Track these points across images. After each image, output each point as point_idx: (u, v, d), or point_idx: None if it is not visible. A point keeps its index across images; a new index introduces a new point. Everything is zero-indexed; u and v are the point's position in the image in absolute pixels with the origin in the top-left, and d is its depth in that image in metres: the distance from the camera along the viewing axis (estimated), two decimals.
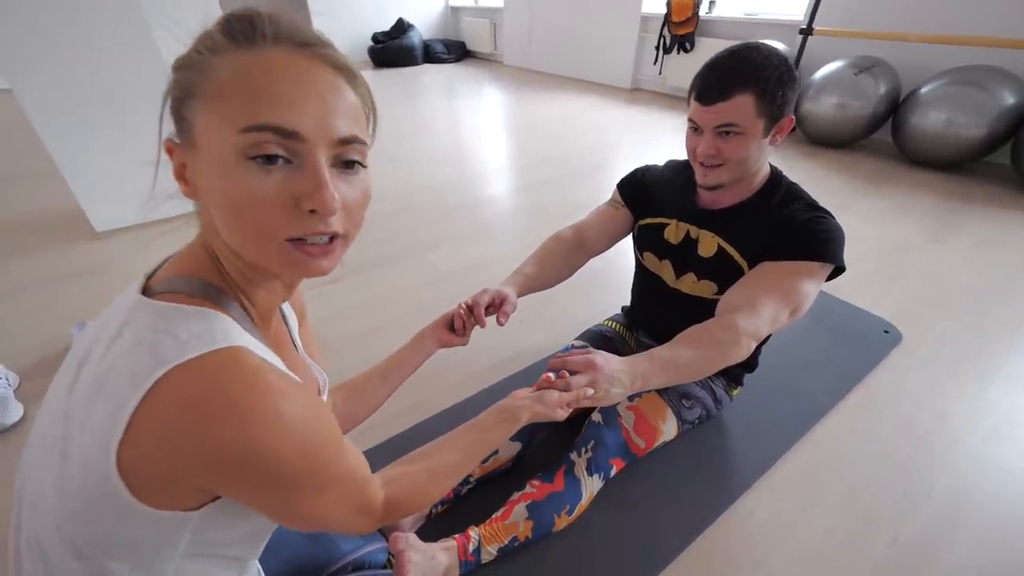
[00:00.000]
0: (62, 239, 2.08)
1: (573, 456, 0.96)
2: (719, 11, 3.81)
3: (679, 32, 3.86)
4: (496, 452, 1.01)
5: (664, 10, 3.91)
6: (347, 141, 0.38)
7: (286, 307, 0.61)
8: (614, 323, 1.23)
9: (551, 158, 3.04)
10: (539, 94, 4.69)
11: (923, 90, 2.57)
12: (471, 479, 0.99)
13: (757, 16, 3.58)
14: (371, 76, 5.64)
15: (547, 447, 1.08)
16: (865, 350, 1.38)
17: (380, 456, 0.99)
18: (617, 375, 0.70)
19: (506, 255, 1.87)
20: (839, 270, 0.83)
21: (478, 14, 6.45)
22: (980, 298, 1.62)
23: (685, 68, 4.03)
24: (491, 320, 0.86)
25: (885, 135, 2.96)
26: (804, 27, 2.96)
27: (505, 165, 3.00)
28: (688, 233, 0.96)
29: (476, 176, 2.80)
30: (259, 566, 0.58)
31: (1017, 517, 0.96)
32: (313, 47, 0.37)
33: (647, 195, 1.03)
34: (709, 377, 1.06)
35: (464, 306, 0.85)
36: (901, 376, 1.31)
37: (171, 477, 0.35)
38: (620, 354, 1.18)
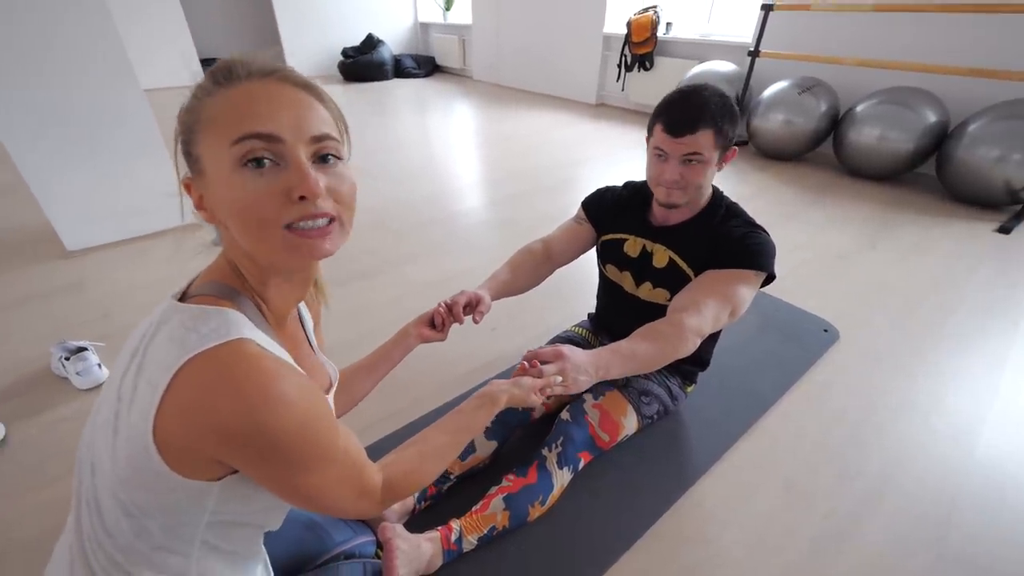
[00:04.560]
0: (32, 258, 2.04)
1: (544, 452, 1.04)
2: (676, 32, 4.03)
3: (639, 51, 4.07)
4: (475, 451, 1.08)
5: (624, 30, 4.11)
6: (320, 138, 0.45)
7: (304, 312, 0.68)
8: (581, 328, 1.33)
9: (520, 172, 3.15)
10: (508, 109, 4.82)
11: (858, 108, 2.81)
12: (452, 476, 1.06)
13: (710, 38, 3.82)
14: (341, 90, 5.67)
15: (521, 445, 1.16)
16: (806, 348, 1.53)
17: (370, 456, 1.05)
18: (583, 364, 0.79)
19: (479, 267, 1.94)
20: (771, 278, 0.95)
21: (447, 31, 6.57)
22: (909, 299, 1.80)
23: (646, 85, 4.24)
24: (468, 321, 0.95)
25: (827, 149, 3.21)
26: (752, 50, 3.19)
27: (476, 180, 3.09)
28: (644, 247, 1.07)
29: (448, 190, 2.88)
30: (263, 549, 0.63)
31: (935, 491, 1.10)
32: (280, 72, 0.46)
33: (609, 213, 1.14)
34: (665, 376, 1.17)
35: (444, 305, 0.93)
36: (837, 371, 1.46)
37: (193, 449, 0.42)
38: None
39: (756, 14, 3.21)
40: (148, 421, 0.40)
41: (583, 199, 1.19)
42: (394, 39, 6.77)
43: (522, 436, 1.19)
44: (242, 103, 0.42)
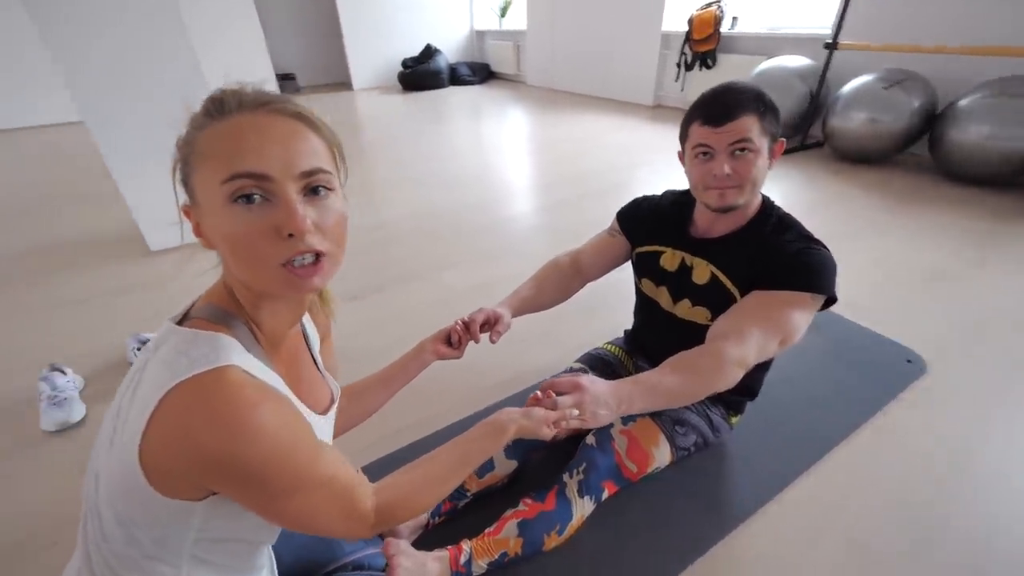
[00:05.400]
0: (119, 257, 2.26)
1: (565, 477, 0.96)
2: (741, 27, 3.77)
3: (700, 49, 3.84)
4: (493, 468, 1.02)
5: (685, 28, 3.91)
6: (310, 173, 0.45)
7: (310, 327, 0.68)
8: (614, 347, 1.23)
9: (572, 177, 3.06)
10: (562, 113, 4.74)
11: (962, 103, 2.45)
12: (468, 493, 1.01)
13: (780, 31, 3.53)
14: (400, 100, 5.88)
15: (543, 466, 1.09)
16: (883, 381, 1.31)
17: (384, 468, 1.03)
18: (603, 397, 0.72)
19: (524, 274, 1.85)
20: (831, 301, 0.81)
21: (502, 37, 6.64)
22: (1021, 327, 1.51)
23: (707, 84, 3.97)
24: (485, 338, 0.91)
25: (920, 150, 2.83)
26: (829, 41, 2.90)
27: (526, 185, 3.05)
28: (683, 261, 0.97)
29: (496, 196, 2.86)
30: (272, 553, 0.63)
31: None
32: (271, 104, 0.45)
33: (644, 224, 1.05)
34: (705, 403, 1.04)
35: (460, 322, 0.90)
36: (922, 410, 1.24)
37: (175, 472, 0.43)
38: (617, 378, 1.19)
39: (834, 3, 2.91)
40: (135, 442, 0.42)
41: (618, 209, 1.10)
42: (450, 48, 6.94)
43: (546, 456, 1.11)
44: (231, 139, 0.43)
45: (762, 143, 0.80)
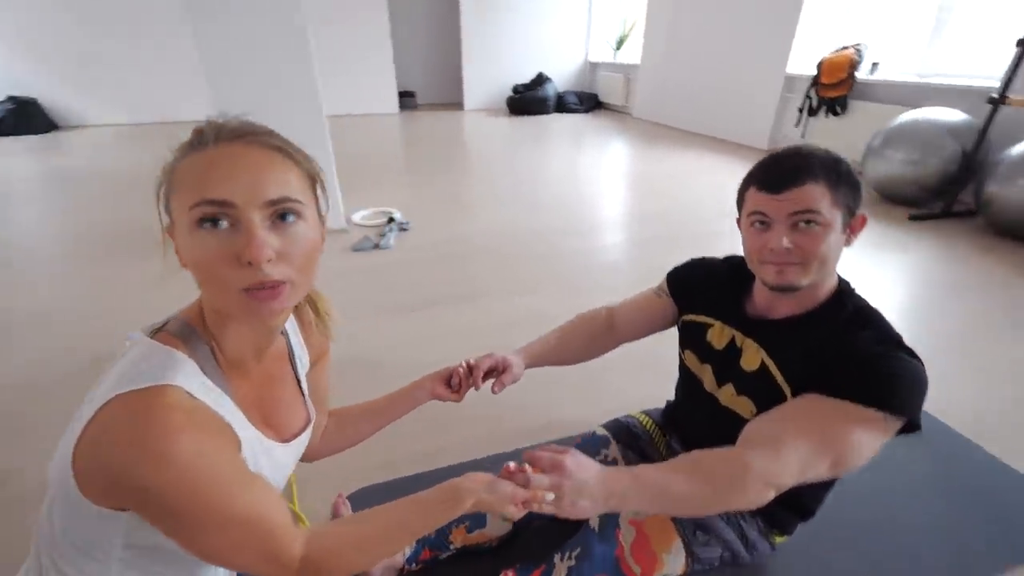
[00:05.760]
0: None
1: (556, 559, 0.85)
2: (882, 73, 3.33)
3: (829, 94, 3.46)
4: (484, 525, 0.95)
5: (813, 71, 3.56)
6: (277, 202, 0.46)
7: (300, 349, 0.68)
8: (648, 419, 1.09)
9: (665, 215, 2.89)
10: (665, 148, 4.57)
11: None
12: (452, 546, 0.94)
13: (930, 79, 3.05)
14: (506, 122, 6.10)
15: (541, 536, 0.98)
16: (1010, 531, 1.01)
17: (386, 494, 1.01)
18: (588, 487, 0.62)
19: (585, 307, 1.81)
20: (912, 426, 0.63)
21: (614, 69, 6.66)
22: None
23: (833, 131, 3.58)
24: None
25: None
26: (995, 96, 2.43)
27: (614, 217, 2.96)
28: (733, 339, 0.83)
29: (581, 224, 2.79)
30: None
31: None
32: (249, 136, 0.47)
33: (696, 290, 0.93)
34: (740, 512, 0.87)
35: (465, 364, 0.85)
36: None
37: (96, 481, 0.43)
38: (645, 456, 1.05)
39: (1003, 49, 2.44)
40: (71, 444, 0.43)
41: (672, 268, 0.99)
42: (561, 77, 7.10)
43: (545, 526, 1.01)
44: (203, 169, 0.45)
45: (834, 216, 0.67)
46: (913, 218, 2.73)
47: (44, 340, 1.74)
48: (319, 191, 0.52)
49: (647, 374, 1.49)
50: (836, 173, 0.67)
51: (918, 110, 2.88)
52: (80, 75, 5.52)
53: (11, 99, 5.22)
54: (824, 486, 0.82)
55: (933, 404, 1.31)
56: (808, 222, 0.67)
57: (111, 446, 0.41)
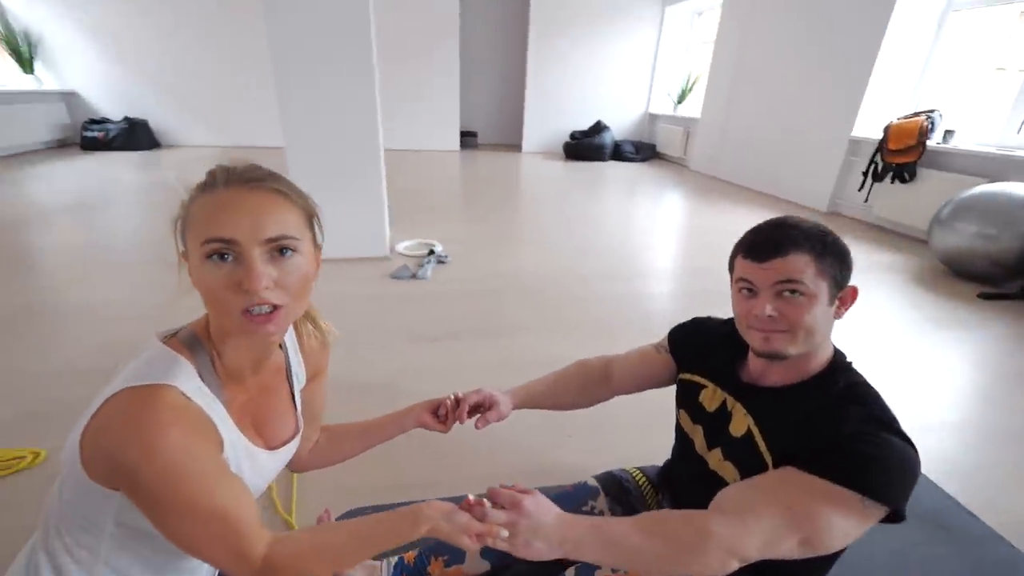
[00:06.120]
0: None
1: None
2: (957, 142, 3.15)
3: (895, 160, 3.30)
4: (462, 561, 0.95)
5: (879, 135, 3.43)
6: (275, 239, 0.53)
7: (298, 366, 0.75)
8: (641, 476, 1.07)
9: (714, 271, 2.82)
10: (720, 202, 4.51)
11: None
12: None
13: (1014, 153, 2.84)
14: (561, 166, 6.27)
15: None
16: None
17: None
18: (544, 529, 0.63)
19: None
20: (896, 516, 0.59)
21: (674, 122, 6.70)
22: None
23: (899, 199, 3.39)
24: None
25: None
26: None
27: (662, 268, 2.94)
28: (724, 403, 0.82)
29: (627, 271, 2.79)
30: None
31: None
32: (253, 182, 0.54)
33: (695, 349, 0.93)
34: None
35: (453, 397, 0.88)
36: None
37: (95, 461, 0.50)
38: (633, 512, 1.02)
39: None
40: (82, 425, 0.50)
41: (674, 326, 1.00)
42: (621, 126, 7.24)
43: (528, 568, 0.99)
44: (213, 210, 0.52)
45: (818, 287, 0.67)
46: (983, 296, 2.50)
47: (115, 329, 1.96)
48: (315, 226, 0.60)
49: (656, 429, 1.45)
50: (822, 244, 0.68)
51: (997, 184, 2.68)
52: (183, 100, 6.32)
53: (126, 119, 6.04)
54: (829, 559, 0.76)
55: (993, 515, 1.18)
56: (792, 291, 0.67)
57: (110, 433, 0.48)
